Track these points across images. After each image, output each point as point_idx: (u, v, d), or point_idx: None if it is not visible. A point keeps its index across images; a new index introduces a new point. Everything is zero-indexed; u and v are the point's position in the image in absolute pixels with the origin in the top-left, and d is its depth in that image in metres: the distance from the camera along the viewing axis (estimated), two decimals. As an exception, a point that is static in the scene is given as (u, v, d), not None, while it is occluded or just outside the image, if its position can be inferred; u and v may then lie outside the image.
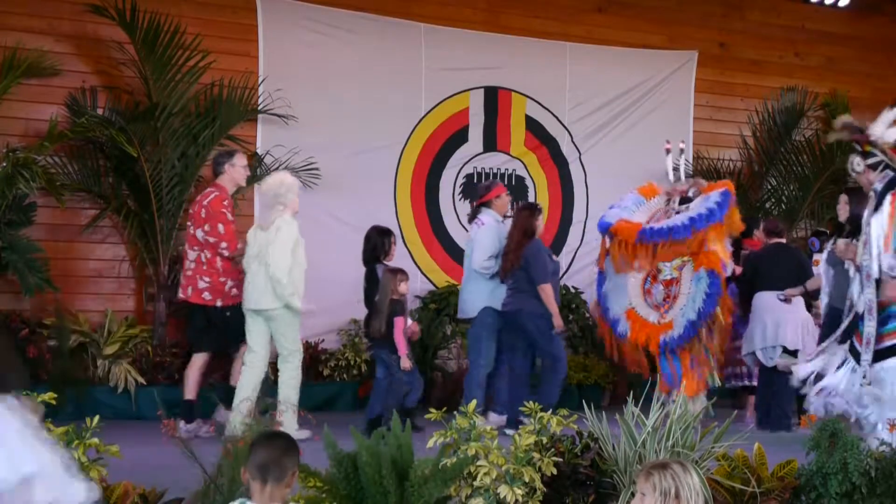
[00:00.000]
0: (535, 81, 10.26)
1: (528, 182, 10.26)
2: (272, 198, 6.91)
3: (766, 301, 7.77)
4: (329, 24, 9.39)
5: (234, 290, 7.07)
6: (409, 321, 7.29)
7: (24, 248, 7.81)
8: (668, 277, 7.31)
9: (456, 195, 9.99)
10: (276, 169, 8.86)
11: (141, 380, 7.93)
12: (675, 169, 7.92)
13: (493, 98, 10.14)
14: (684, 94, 10.90)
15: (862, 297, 5.97)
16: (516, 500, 4.08)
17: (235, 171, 7.29)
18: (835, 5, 11.39)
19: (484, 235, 7.60)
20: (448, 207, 9.96)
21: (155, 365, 8.09)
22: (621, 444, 4.47)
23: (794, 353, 7.52)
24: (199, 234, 7.09)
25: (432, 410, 4.47)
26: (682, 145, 8.21)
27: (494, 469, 4.14)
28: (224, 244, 7.05)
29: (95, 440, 4.12)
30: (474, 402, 4.46)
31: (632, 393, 4.82)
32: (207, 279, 7.11)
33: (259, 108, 8.92)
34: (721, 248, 7.23)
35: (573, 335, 9.59)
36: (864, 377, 5.87)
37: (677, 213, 7.53)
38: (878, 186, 6.08)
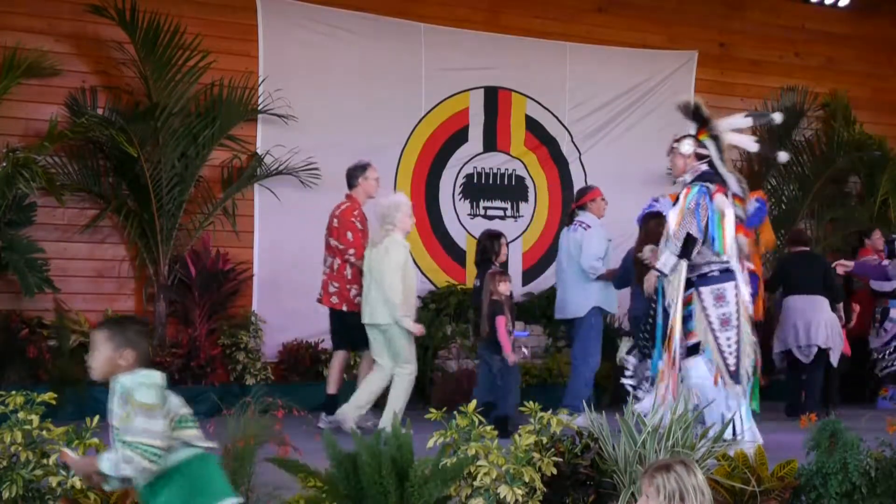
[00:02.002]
0: (535, 81, 10.25)
1: (528, 182, 10.25)
2: (382, 217, 7.21)
3: (795, 304, 8.55)
4: (329, 24, 9.38)
5: (358, 299, 7.38)
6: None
7: (24, 248, 7.81)
8: None
9: (456, 195, 9.99)
10: (277, 169, 8.89)
11: (141, 380, 7.92)
12: None
13: (493, 98, 10.14)
14: (684, 94, 10.79)
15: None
16: (516, 500, 4.09)
17: (368, 184, 7.64)
18: (835, 5, 11.38)
19: (593, 237, 7.86)
20: (448, 207, 9.95)
21: (155, 365, 8.05)
22: (621, 444, 4.47)
23: (825, 352, 8.39)
24: (332, 241, 7.49)
25: (432, 410, 4.48)
26: None
27: (494, 469, 4.14)
28: (351, 251, 7.37)
29: (95, 440, 4.12)
30: (474, 402, 4.47)
31: (632, 393, 4.82)
32: (336, 285, 7.48)
33: (259, 108, 8.91)
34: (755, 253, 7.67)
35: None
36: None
37: None
38: (688, 178, 6.13)
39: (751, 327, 6.11)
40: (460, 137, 10.02)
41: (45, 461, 4.03)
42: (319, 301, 7.63)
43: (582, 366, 7.83)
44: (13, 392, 4.19)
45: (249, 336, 8.61)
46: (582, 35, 10.38)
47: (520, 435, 4.37)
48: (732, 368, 5.88)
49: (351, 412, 6.99)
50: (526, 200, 10.21)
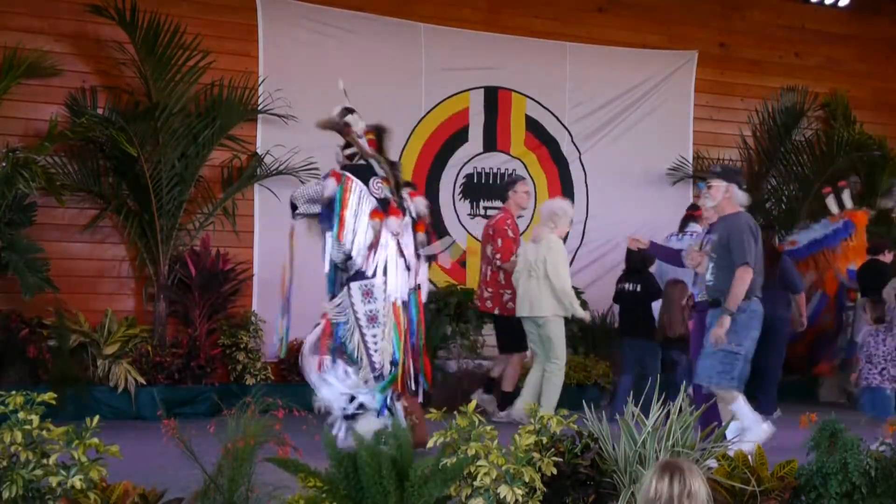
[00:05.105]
0: (535, 81, 10.26)
1: (528, 182, 10.23)
2: (547, 216, 7.82)
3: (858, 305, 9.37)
4: (329, 24, 9.39)
5: (511, 303, 7.96)
6: None
7: (24, 248, 7.81)
8: None
9: (456, 195, 9.99)
10: (277, 169, 8.88)
11: (141, 380, 7.94)
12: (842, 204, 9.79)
13: (493, 98, 10.14)
14: (684, 94, 10.90)
15: None
16: (516, 500, 4.08)
17: (518, 197, 8.32)
18: (835, 5, 11.39)
19: None
20: (448, 207, 9.95)
21: (155, 365, 8.09)
22: (621, 444, 4.47)
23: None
24: (488, 250, 8.17)
25: (432, 410, 4.48)
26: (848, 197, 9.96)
27: (494, 469, 4.13)
28: (498, 255, 8.04)
29: (95, 440, 4.11)
30: (474, 402, 4.47)
31: (632, 393, 4.82)
32: (490, 290, 8.15)
33: (259, 108, 8.92)
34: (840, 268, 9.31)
35: (574, 335, 9.58)
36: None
37: None
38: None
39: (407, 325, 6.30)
40: (460, 137, 10.02)
41: (45, 461, 4.02)
42: (475, 309, 8.39)
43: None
44: (13, 392, 4.18)
45: (249, 336, 8.61)
46: (582, 35, 10.39)
47: (520, 435, 4.37)
48: (377, 365, 6.00)
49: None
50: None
